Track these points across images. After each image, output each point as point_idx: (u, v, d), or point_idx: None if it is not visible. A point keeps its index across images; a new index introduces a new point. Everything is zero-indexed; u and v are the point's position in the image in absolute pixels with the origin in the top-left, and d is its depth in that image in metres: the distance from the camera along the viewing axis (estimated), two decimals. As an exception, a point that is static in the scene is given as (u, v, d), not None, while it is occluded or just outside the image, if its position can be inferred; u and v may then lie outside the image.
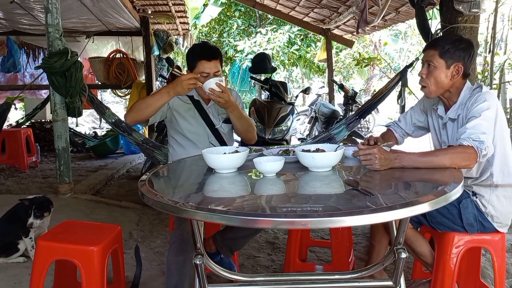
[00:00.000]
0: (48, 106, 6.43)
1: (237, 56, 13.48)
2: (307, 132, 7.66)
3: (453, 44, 1.92)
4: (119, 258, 2.19)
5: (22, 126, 6.46)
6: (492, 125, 1.82)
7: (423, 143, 2.85)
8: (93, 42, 7.28)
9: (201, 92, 2.41)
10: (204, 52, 2.30)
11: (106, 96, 13.58)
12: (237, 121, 2.36)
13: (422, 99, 2.24)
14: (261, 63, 4.80)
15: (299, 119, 9.23)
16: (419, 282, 2.25)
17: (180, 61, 11.74)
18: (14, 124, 6.85)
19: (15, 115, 8.40)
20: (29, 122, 6.98)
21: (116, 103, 13.05)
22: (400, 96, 3.95)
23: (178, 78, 2.19)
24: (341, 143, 3.40)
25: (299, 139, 7.98)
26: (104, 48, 7.68)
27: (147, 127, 6.65)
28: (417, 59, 4.05)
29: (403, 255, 1.61)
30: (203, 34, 14.65)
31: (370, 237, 2.27)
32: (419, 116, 2.22)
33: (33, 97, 7.92)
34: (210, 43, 2.46)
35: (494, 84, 4.33)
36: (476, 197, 1.96)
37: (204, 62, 2.27)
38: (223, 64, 2.35)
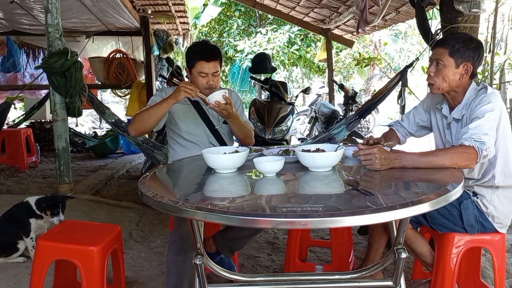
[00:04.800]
0: (48, 106, 6.44)
1: (237, 56, 13.47)
2: (307, 132, 7.66)
3: (463, 43, 1.89)
4: (119, 258, 2.19)
5: (21, 126, 6.46)
6: (494, 127, 1.81)
7: (423, 143, 2.85)
8: (93, 42, 7.28)
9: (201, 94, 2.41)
10: (204, 52, 2.29)
11: (106, 96, 13.57)
12: (236, 129, 2.37)
13: (425, 98, 2.24)
14: (261, 63, 4.80)
15: (299, 119, 9.23)
16: (419, 282, 2.25)
17: (180, 61, 11.74)
18: (11, 123, 6.86)
19: (16, 115, 8.40)
20: (28, 122, 6.99)
21: (116, 103, 13.05)
22: (400, 96, 3.94)
23: (178, 86, 2.18)
24: (341, 143, 3.39)
25: (299, 139, 7.98)
26: (104, 48, 7.68)
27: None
28: (417, 59, 4.06)
29: (403, 255, 1.61)
30: (203, 34, 14.64)
31: (369, 236, 2.28)
32: (422, 115, 2.21)
33: (33, 97, 7.92)
34: (210, 42, 2.46)
35: (494, 84, 4.33)
36: (477, 198, 1.96)
37: (203, 63, 2.27)
38: (223, 64, 2.35)
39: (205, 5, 12.44)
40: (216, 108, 2.17)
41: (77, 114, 4.04)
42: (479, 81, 2.06)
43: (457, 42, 1.90)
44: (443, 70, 1.92)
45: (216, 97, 2.15)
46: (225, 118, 2.27)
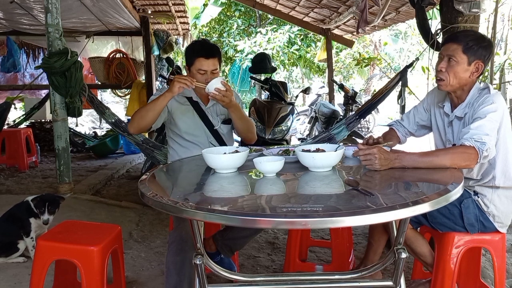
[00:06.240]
0: (48, 106, 6.44)
1: (237, 56, 13.48)
2: (307, 132, 7.66)
3: (477, 41, 1.89)
4: (119, 258, 2.19)
5: (21, 126, 6.46)
6: (496, 128, 1.81)
7: (423, 143, 2.85)
8: (93, 42, 7.28)
9: (200, 93, 2.41)
10: (203, 50, 2.30)
11: (106, 96, 13.57)
12: (238, 121, 2.36)
13: (425, 97, 2.24)
14: (261, 63, 4.80)
15: (299, 119, 9.23)
16: (419, 282, 2.25)
17: (180, 61, 11.73)
18: (11, 123, 6.85)
19: (16, 115, 8.39)
20: (28, 122, 6.99)
21: (116, 103, 13.05)
22: (400, 96, 3.95)
23: (173, 79, 2.20)
24: (341, 143, 3.39)
25: (299, 139, 7.98)
26: (104, 48, 7.68)
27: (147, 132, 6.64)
28: (417, 59, 4.05)
29: (403, 255, 1.61)
30: (203, 34, 14.64)
31: (369, 236, 2.28)
32: (422, 114, 2.21)
33: (33, 97, 7.92)
34: (209, 41, 2.47)
35: (494, 84, 4.32)
36: (478, 197, 1.96)
37: (202, 60, 2.27)
38: (223, 64, 2.36)
39: (205, 5, 12.44)
40: (217, 96, 2.16)
41: (77, 114, 4.04)
42: (480, 81, 2.06)
43: (471, 40, 1.89)
44: (455, 67, 1.90)
45: (215, 84, 2.15)
46: (226, 107, 2.26)
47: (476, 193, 1.97)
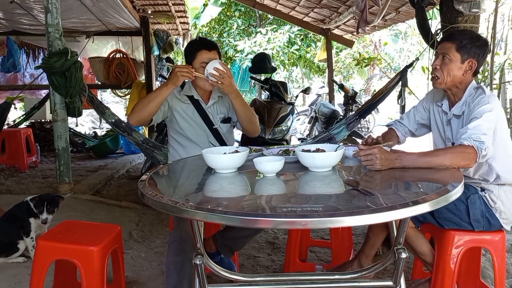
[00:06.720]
0: (48, 106, 6.44)
1: (237, 56, 13.48)
2: (307, 132, 7.66)
3: (470, 40, 1.94)
4: (119, 258, 2.19)
5: (21, 126, 6.46)
6: (492, 127, 1.83)
7: (423, 143, 2.86)
8: (93, 42, 7.28)
9: (201, 92, 2.42)
10: (204, 44, 2.34)
11: (106, 96, 13.56)
12: (241, 109, 2.35)
13: (424, 97, 2.26)
14: (261, 63, 4.80)
15: (299, 119, 9.23)
16: (419, 282, 2.25)
17: (180, 61, 11.73)
18: (11, 123, 6.86)
19: (16, 115, 8.39)
20: (28, 122, 6.99)
21: (116, 103, 13.04)
22: (400, 96, 3.95)
23: (173, 70, 2.21)
24: (341, 143, 3.39)
25: (299, 139, 7.98)
26: (104, 48, 7.68)
27: (147, 127, 6.65)
28: (417, 59, 4.06)
29: (403, 255, 1.61)
30: (203, 34, 14.64)
31: (368, 229, 2.27)
32: (422, 113, 2.23)
33: (33, 97, 7.92)
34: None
35: (494, 84, 4.32)
36: (485, 193, 1.97)
37: (203, 52, 2.30)
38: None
39: (205, 5, 12.44)
40: (217, 76, 2.18)
41: (77, 114, 4.04)
42: (479, 80, 2.08)
43: (465, 38, 1.95)
44: (448, 64, 1.95)
45: (214, 64, 2.18)
46: (227, 91, 2.27)
47: (483, 189, 1.98)
